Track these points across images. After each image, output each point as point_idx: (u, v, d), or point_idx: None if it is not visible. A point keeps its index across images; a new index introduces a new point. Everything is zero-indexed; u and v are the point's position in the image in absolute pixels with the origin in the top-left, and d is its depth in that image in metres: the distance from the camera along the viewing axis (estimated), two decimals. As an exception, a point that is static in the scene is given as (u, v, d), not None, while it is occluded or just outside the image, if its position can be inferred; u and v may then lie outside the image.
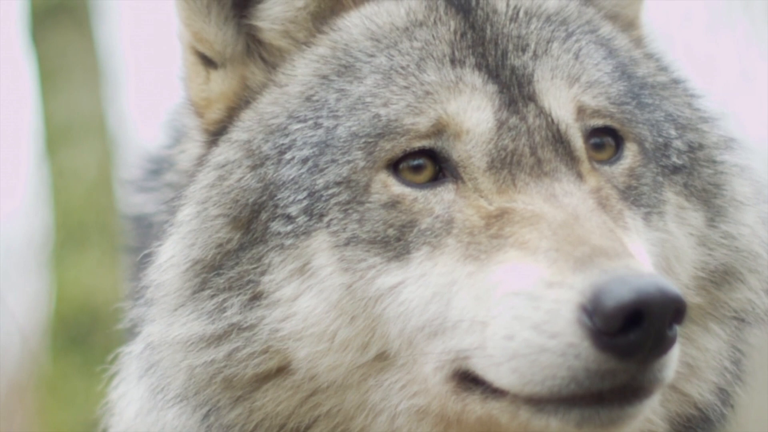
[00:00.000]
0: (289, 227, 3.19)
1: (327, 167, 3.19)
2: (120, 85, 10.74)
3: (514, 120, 3.18)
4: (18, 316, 14.00)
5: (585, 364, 2.89)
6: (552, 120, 3.19)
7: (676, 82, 3.53)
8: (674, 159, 3.35)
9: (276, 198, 3.21)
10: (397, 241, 3.11)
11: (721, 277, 3.36)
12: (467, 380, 3.05)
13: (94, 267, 9.72)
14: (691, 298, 3.30)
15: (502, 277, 2.99)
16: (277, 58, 3.43)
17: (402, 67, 3.24)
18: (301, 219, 3.18)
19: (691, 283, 3.32)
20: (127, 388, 3.59)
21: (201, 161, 3.39)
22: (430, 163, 3.17)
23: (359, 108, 3.21)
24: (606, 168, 3.24)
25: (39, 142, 10.27)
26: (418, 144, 3.17)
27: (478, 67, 3.24)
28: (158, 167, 3.93)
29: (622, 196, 3.22)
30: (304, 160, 3.22)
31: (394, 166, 3.16)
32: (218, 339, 3.20)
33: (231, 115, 3.42)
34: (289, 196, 3.20)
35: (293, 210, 3.19)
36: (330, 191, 3.17)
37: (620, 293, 2.85)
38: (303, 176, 3.21)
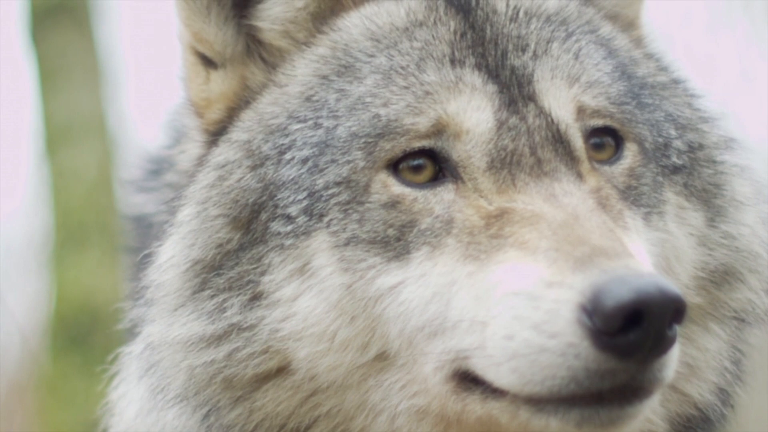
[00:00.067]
0: (289, 227, 3.19)
1: (327, 167, 3.19)
2: (120, 85, 10.75)
3: (513, 120, 3.18)
4: (18, 316, 14.00)
5: (585, 364, 2.89)
6: (552, 120, 3.19)
7: (676, 82, 3.53)
8: (674, 159, 3.35)
9: (276, 198, 3.22)
10: (397, 241, 3.11)
11: (721, 277, 3.36)
12: (467, 380, 3.05)
13: (94, 267, 9.73)
14: (691, 298, 3.30)
15: (501, 277, 2.99)
16: (277, 59, 3.43)
17: (402, 67, 3.24)
18: (301, 219, 3.18)
19: (691, 283, 3.32)
20: (127, 388, 3.59)
21: (201, 161, 3.39)
22: (430, 163, 3.17)
23: (359, 108, 3.21)
24: (606, 168, 3.24)
25: (39, 142, 10.27)
26: (417, 144, 3.17)
27: (478, 67, 3.24)
28: (158, 167, 3.93)
29: (622, 196, 3.22)
30: (304, 161, 3.22)
31: (394, 166, 3.16)
32: (218, 339, 3.20)
33: (231, 115, 3.42)
34: (289, 197, 3.21)
35: (293, 210, 3.19)
36: (330, 191, 3.17)
37: (620, 293, 2.85)
38: (303, 176, 3.21)
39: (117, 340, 3.85)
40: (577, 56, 3.31)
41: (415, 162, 3.17)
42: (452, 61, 3.24)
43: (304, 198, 3.19)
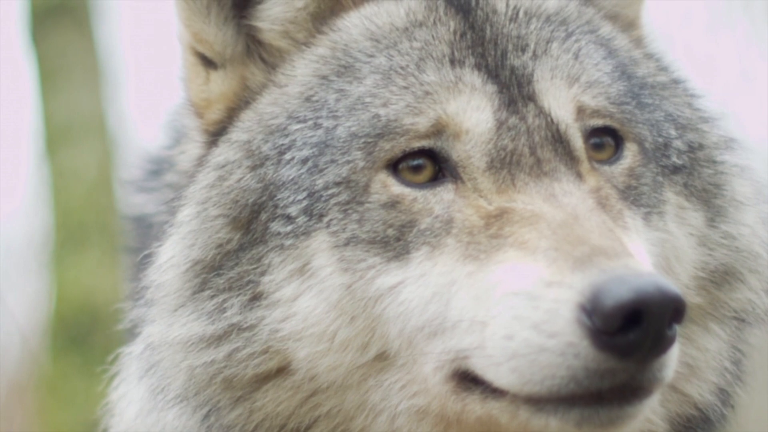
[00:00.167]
0: (289, 227, 3.19)
1: (327, 167, 3.19)
2: (120, 85, 10.75)
3: (513, 120, 3.18)
4: (18, 316, 14.00)
5: (584, 364, 2.89)
6: (551, 120, 3.19)
7: (676, 82, 3.53)
8: (674, 159, 3.35)
9: (276, 198, 3.22)
10: (396, 241, 3.11)
11: (721, 277, 3.36)
12: (467, 380, 3.05)
13: (94, 267, 9.73)
14: (691, 298, 3.30)
15: (501, 276, 2.99)
16: (276, 59, 3.43)
17: (401, 68, 3.24)
18: (301, 219, 3.18)
19: (691, 283, 3.32)
20: (127, 388, 3.59)
21: (201, 162, 3.39)
22: (429, 163, 3.17)
23: (359, 108, 3.21)
24: (606, 168, 3.24)
25: (39, 142, 10.27)
26: (417, 144, 3.17)
27: (478, 67, 3.24)
28: (158, 168, 3.93)
29: (622, 195, 3.22)
30: (304, 161, 3.22)
31: (394, 166, 3.16)
32: (218, 339, 3.20)
33: (231, 115, 3.42)
34: (288, 197, 3.21)
35: (293, 210, 3.19)
36: (330, 191, 3.17)
37: (619, 293, 2.85)
38: (303, 176, 3.21)
39: (117, 341, 3.85)
40: (576, 56, 3.32)
41: (415, 162, 3.17)
42: (452, 61, 3.24)
43: (304, 198, 3.19)
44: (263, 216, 3.22)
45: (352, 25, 3.39)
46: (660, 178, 3.31)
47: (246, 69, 3.45)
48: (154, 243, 3.39)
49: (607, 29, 3.50)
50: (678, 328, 2.94)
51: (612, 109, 3.28)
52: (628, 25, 3.61)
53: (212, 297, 3.22)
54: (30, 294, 12.77)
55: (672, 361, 2.97)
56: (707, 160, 3.42)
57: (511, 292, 2.95)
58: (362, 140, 3.18)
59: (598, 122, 3.27)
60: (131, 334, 3.60)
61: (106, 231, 9.67)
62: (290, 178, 3.22)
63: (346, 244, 3.13)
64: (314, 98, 3.29)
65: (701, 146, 3.42)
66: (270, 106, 3.34)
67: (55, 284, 9.98)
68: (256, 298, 3.19)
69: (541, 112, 3.20)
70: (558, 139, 3.18)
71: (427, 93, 3.19)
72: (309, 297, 3.15)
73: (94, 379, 3.86)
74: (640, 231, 3.20)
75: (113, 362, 3.68)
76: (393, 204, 3.14)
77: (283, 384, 3.21)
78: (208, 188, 3.29)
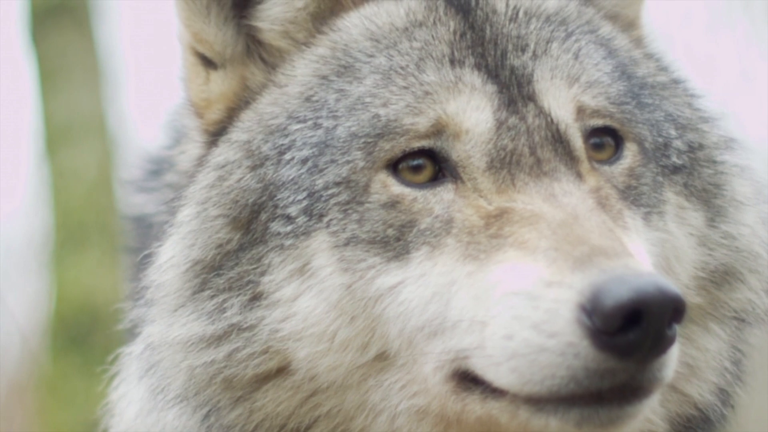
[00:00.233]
0: (289, 227, 3.19)
1: (326, 167, 3.19)
2: (120, 85, 10.75)
3: (513, 120, 3.18)
4: (18, 316, 14.00)
5: (584, 364, 2.89)
6: (551, 120, 3.19)
7: (676, 82, 3.53)
8: (674, 159, 3.35)
9: (276, 198, 3.22)
10: (396, 241, 3.11)
11: (721, 277, 3.36)
12: (467, 380, 3.05)
13: (94, 267, 9.73)
14: (691, 298, 3.30)
15: (501, 276, 2.99)
16: (276, 59, 3.43)
17: (401, 68, 3.24)
18: (301, 219, 3.18)
19: (691, 283, 3.32)
20: (127, 388, 3.59)
21: (201, 162, 3.39)
22: (429, 163, 3.17)
23: (359, 108, 3.21)
24: (606, 168, 3.24)
25: (39, 142, 10.27)
26: (417, 144, 3.17)
27: (478, 67, 3.24)
28: (158, 168, 3.93)
29: (622, 195, 3.22)
30: (304, 161, 3.22)
31: (394, 166, 3.16)
32: (218, 339, 3.20)
33: (231, 115, 3.42)
34: (288, 197, 3.21)
35: (293, 210, 3.19)
36: (329, 191, 3.17)
37: (619, 292, 2.85)
38: (303, 176, 3.21)
39: (117, 341, 3.85)
40: (576, 56, 3.32)
41: (415, 162, 3.17)
42: (452, 61, 3.24)
43: (304, 198, 3.19)
44: (263, 216, 3.22)
45: (352, 25, 3.39)
46: (660, 178, 3.31)
47: (246, 69, 3.45)
48: (154, 243, 3.39)
49: (607, 29, 3.50)
50: (678, 328, 2.94)
51: (612, 109, 3.28)
52: (628, 25, 3.61)
53: (212, 297, 3.22)
54: (30, 294, 12.78)
55: (672, 361, 2.97)
56: (707, 160, 3.42)
57: (510, 292, 2.95)
58: (362, 140, 3.18)
59: (598, 122, 3.27)
60: (131, 334, 3.60)
61: (106, 231, 9.67)
62: (290, 178, 3.22)
63: (346, 244, 3.13)
64: (314, 98, 3.29)
65: (701, 146, 3.42)
66: (270, 106, 3.34)
67: (55, 284, 9.98)
68: (256, 298, 3.19)
69: (541, 112, 3.20)
70: (558, 139, 3.18)
71: (427, 93, 3.20)
72: (309, 297, 3.15)
73: (94, 379, 3.86)
74: (640, 231, 3.20)
75: (113, 362, 3.68)
76: (393, 204, 3.14)
77: (283, 384, 3.21)
78: (208, 188, 3.29)
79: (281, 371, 3.20)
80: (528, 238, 2.99)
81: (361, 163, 3.17)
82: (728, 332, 3.40)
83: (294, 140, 3.25)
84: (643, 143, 3.30)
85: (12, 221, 15.16)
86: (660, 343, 2.89)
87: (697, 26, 14.93)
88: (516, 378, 2.93)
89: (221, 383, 3.22)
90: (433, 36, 3.29)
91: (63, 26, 10.07)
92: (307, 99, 3.29)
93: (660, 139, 3.34)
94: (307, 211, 3.18)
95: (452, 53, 3.26)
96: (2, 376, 14.13)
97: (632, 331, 2.86)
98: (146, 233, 3.80)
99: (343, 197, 3.16)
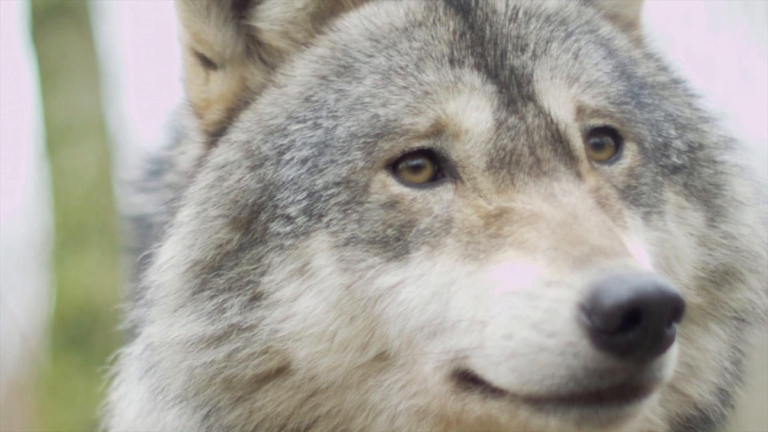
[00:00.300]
0: (289, 228, 3.19)
1: (326, 167, 3.19)
2: (120, 85, 10.75)
3: (513, 120, 3.18)
4: (18, 316, 14.00)
5: (584, 363, 2.89)
6: (551, 120, 3.19)
7: (675, 82, 3.53)
8: (674, 159, 3.35)
9: (275, 198, 3.22)
10: (396, 241, 3.11)
11: (721, 277, 3.36)
12: (466, 380, 3.05)
13: (94, 267, 9.73)
14: (691, 298, 3.30)
15: (500, 276, 2.99)
16: (276, 59, 3.43)
17: (401, 68, 3.24)
18: (301, 219, 3.18)
19: (691, 283, 3.32)
20: (127, 388, 3.58)
21: (200, 162, 3.39)
22: (429, 163, 3.17)
23: (358, 108, 3.21)
24: (605, 168, 3.24)
25: (39, 142, 10.27)
26: (417, 144, 3.17)
27: (477, 67, 3.24)
28: (158, 168, 3.93)
29: (622, 195, 3.22)
30: (304, 161, 3.22)
31: (393, 166, 3.16)
32: (218, 340, 3.20)
33: (230, 116, 3.42)
34: (288, 197, 3.21)
35: (293, 210, 3.19)
36: (329, 191, 3.17)
37: (618, 292, 2.85)
38: (302, 177, 3.21)
39: (117, 341, 3.85)
40: (576, 56, 3.31)
41: (414, 162, 3.17)
42: (451, 61, 3.24)
43: (304, 198, 3.19)
44: (263, 216, 3.22)
45: (351, 25, 3.39)
46: (660, 178, 3.31)
47: (245, 69, 3.45)
48: (154, 243, 3.39)
49: (606, 29, 3.50)
50: (678, 328, 2.94)
51: (612, 109, 3.28)
52: (628, 25, 3.61)
53: (212, 297, 3.22)
54: (30, 294, 12.78)
55: (671, 360, 2.97)
56: (707, 160, 3.42)
57: (510, 292, 2.95)
58: (362, 140, 3.18)
59: (598, 122, 3.27)
60: (131, 334, 3.60)
61: (106, 231, 9.67)
62: (290, 178, 3.22)
63: (346, 244, 3.13)
64: (314, 98, 3.29)
65: (701, 146, 3.42)
66: (269, 106, 3.34)
67: (55, 284, 9.98)
68: (256, 298, 3.19)
69: (541, 111, 3.20)
70: (557, 139, 3.18)
71: (426, 93, 3.20)
72: (309, 297, 3.15)
73: (94, 379, 3.86)
74: (640, 231, 3.20)
75: (113, 362, 3.68)
76: (392, 204, 3.14)
77: (283, 384, 3.21)
78: (207, 189, 3.29)
79: (281, 371, 3.20)
80: (527, 237, 2.99)
81: (361, 163, 3.17)
82: (728, 332, 3.40)
83: (294, 140, 3.25)
84: (642, 143, 3.30)
85: (12, 221, 15.17)
86: (659, 343, 2.89)
87: (697, 26, 14.94)
88: (515, 377, 2.93)
89: (221, 383, 3.22)
90: (432, 36, 3.29)
91: (63, 26, 10.07)
92: (307, 99, 3.29)
93: (660, 139, 3.34)
94: (307, 211, 3.18)
95: (452, 53, 3.26)
96: (2, 376, 14.14)
97: (631, 330, 2.86)
98: (146, 233, 3.80)
99: (343, 197, 3.16)
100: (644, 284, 2.85)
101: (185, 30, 3.46)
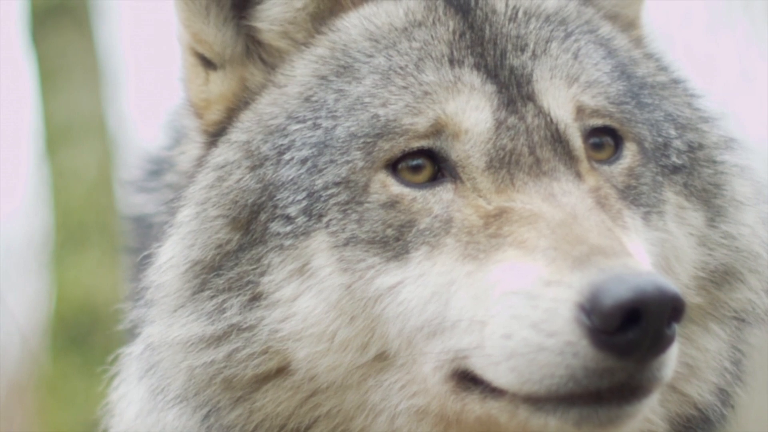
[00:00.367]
0: (289, 228, 3.19)
1: (326, 168, 3.19)
2: (120, 85, 10.75)
3: (512, 120, 3.18)
4: (18, 316, 14.00)
5: (583, 363, 2.89)
6: (551, 120, 3.19)
7: (675, 81, 3.53)
8: (674, 159, 3.35)
9: (275, 199, 3.22)
10: (396, 241, 3.11)
11: (721, 277, 3.36)
12: (466, 380, 3.05)
13: (94, 267, 9.73)
14: (691, 298, 3.30)
15: (500, 276, 2.99)
16: (276, 59, 3.43)
17: (401, 68, 3.24)
18: (301, 219, 3.18)
19: (691, 283, 3.32)
20: (127, 389, 3.59)
21: (200, 162, 3.39)
22: (428, 163, 3.17)
23: (358, 108, 3.21)
24: (605, 167, 3.24)
25: (39, 142, 10.27)
26: (416, 144, 3.17)
27: (477, 67, 3.24)
28: (158, 168, 3.93)
29: (621, 195, 3.22)
30: (303, 161, 3.22)
31: (393, 166, 3.16)
32: (218, 340, 3.20)
33: (230, 116, 3.42)
34: (288, 197, 3.21)
35: (292, 210, 3.19)
36: (329, 192, 3.17)
37: (618, 292, 2.85)
38: (302, 177, 3.21)
39: (117, 341, 3.85)
40: (576, 56, 3.32)
41: (414, 162, 3.17)
42: (451, 61, 3.24)
43: (304, 198, 3.19)
44: (263, 216, 3.22)
45: (351, 25, 3.39)
46: (660, 178, 3.31)
47: (245, 69, 3.45)
48: (154, 243, 3.39)
49: (606, 29, 3.50)
50: (677, 328, 2.94)
51: (611, 109, 3.28)
52: (628, 24, 3.61)
53: (212, 297, 3.22)
54: (30, 294, 12.78)
55: (671, 360, 2.97)
56: (707, 160, 3.42)
57: (510, 292, 2.95)
58: (361, 140, 3.18)
59: (598, 122, 3.27)
60: (131, 334, 3.60)
61: (106, 231, 9.68)
62: (289, 178, 3.22)
63: (346, 244, 3.13)
64: (313, 98, 3.29)
65: (701, 146, 3.42)
66: (269, 106, 3.34)
67: (55, 284, 9.98)
68: (256, 298, 3.19)
69: (541, 111, 3.20)
70: (557, 139, 3.18)
71: (426, 93, 3.20)
72: (308, 297, 3.15)
73: (94, 379, 3.87)
74: (640, 230, 3.20)
75: (113, 362, 3.68)
76: (392, 204, 3.14)
77: (283, 384, 3.21)
78: (207, 189, 3.29)
79: (281, 371, 3.20)
80: (527, 237, 2.99)
81: (361, 163, 3.17)
82: (728, 332, 3.40)
83: (293, 140, 3.25)
84: (642, 143, 3.30)
85: (12, 221, 15.17)
86: (659, 343, 2.89)
87: (697, 26, 14.94)
88: (515, 377, 2.93)
89: (221, 383, 3.22)
90: (432, 36, 3.29)
91: (63, 26, 10.07)
92: (307, 99, 3.29)
93: (660, 139, 3.34)
94: (307, 212, 3.18)
95: (451, 53, 3.26)
96: (2, 376, 14.14)
97: (631, 330, 2.86)
98: (146, 233, 3.80)
99: (343, 197, 3.16)
100: (644, 284, 2.85)
101: (185, 30, 3.46)
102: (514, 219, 3.04)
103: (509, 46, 3.28)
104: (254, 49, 3.45)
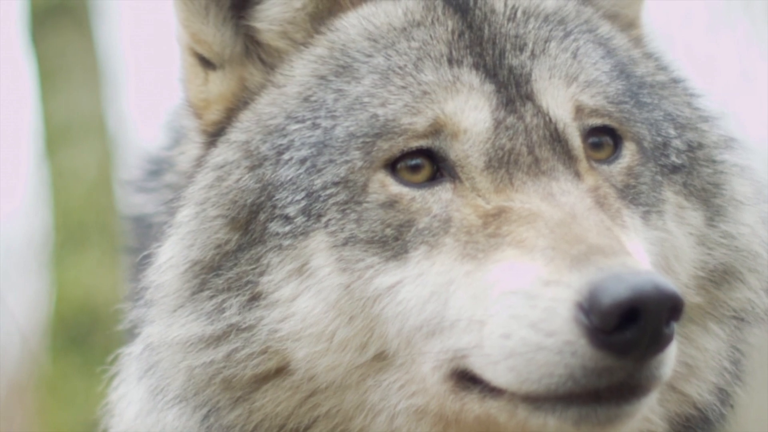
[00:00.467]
0: (288, 228, 3.19)
1: (325, 167, 3.19)
2: (120, 85, 10.76)
3: (511, 119, 3.18)
4: (18, 316, 14.00)
5: (582, 362, 2.89)
6: (550, 119, 3.19)
7: (675, 81, 3.53)
8: (673, 158, 3.35)
9: (274, 198, 3.22)
10: (395, 240, 3.12)
11: (720, 277, 3.36)
12: (465, 379, 3.05)
13: (94, 267, 9.73)
14: (691, 297, 3.30)
15: (499, 275, 2.99)
16: (275, 59, 3.43)
17: (399, 67, 3.24)
18: (300, 219, 3.18)
19: (690, 282, 3.32)
20: (127, 389, 3.59)
21: (200, 162, 3.39)
22: (427, 162, 3.17)
23: (357, 108, 3.21)
24: (604, 167, 3.24)
25: (39, 142, 10.28)
26: (415, 144, 3.17)
27: (476, 66, 3.25)
28: (158, 168, 3.93)
29: (621, 195, 3.22)
30: (302, 161, 3.22)
31: (392, 165, 3.16)
32: (217, 340, 3.21)
33: (229, 116, 3.42)
34: (287, 197, 3.21)
35: (291, 210, 3.19)
36: (328, 191, 3.17)
37: (616, 291, 2.85)
38: (301, 177, 3.21)
39: (117, 341, 3.85)
40: (575, 55, 3.32)
41: (413, 162, 3.17)
42: (450, 61, 3.24)
43: (303, 198, 3.19)
44: (262, 216, 3.22)
45: (350, 25, 3.39)
46: (659, 177, 3.31)
47: (244, 69, 3.45)
48: (154, 243, 3.39)
49: (605, 28, 3.50)
50: (677, 328, 2.94)
51: (610, 108, 3.28)
52: (628, 24, 3.61)
53: (211, 297, 3.22)
54: (30, 294, 12.79)
55: (670, 359, 2.97)
56: (706, 160, 3.42)
57: (508, 291, 2.95)
58: (360, 140, 3.18)
59: (597, 121, 3.27)
60: (131, 334, 3.60)
61: (106, 231, 9.68)
62: (288, 178, 3.22)
63: (345, 244, 3.13)
64: (312, 98, 3.29)
65: (700, 145, 3.42)
66: (268, 106, 3.34)
67: (55, 284, 9.99)
68: (255, 298, 3.19)
69: (539, 111, 3.20)
70: (556, 139, 3.18)
71: (425, 93, 3.20)
72: (307, 297, 3.15)
73: (94, 379, 3.87)
74: (639, 230, 3.20)
75: (113, 362, 3.68)
76: (391, 203, 3.14)
77: (282, 384, 3.21)
78: (206, 189, 3.29)
79: (280, 371, 3.20)
80: (526, 237, 2.99)
81: (360, 163, 3.17)
82: (727, 332, 3.40)
83: (292, 140, 3.25)
84: (641, 142, 3.30)
85: (12, 221, 15.17)
86: (657, 342, 2.89)
87: (697, 26, 14.94)
88: (514, 377, 2.93)
89: (220, 383, 3.22)
90: (431, 36, 3.29)
91: (63, 26, 10.07)
92: (306, 99, 3.29)
93: (659, 139, 3.34)
94: (306, 211, 3.18)
95: (450, 53, 3.26)
96: (2, 376, 14.14)
97: (629, 329, 2.86)
98: (146, 233, 3.80)
99: (342, 197, 3.16)
100: (642, 283, 2.85)
101: (184, 30, 3.46)
102: (513, 218, 3.04)
103: (508, 46, 3.28)
104: (253, 49, 3.45)
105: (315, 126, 3.24)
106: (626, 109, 3.31)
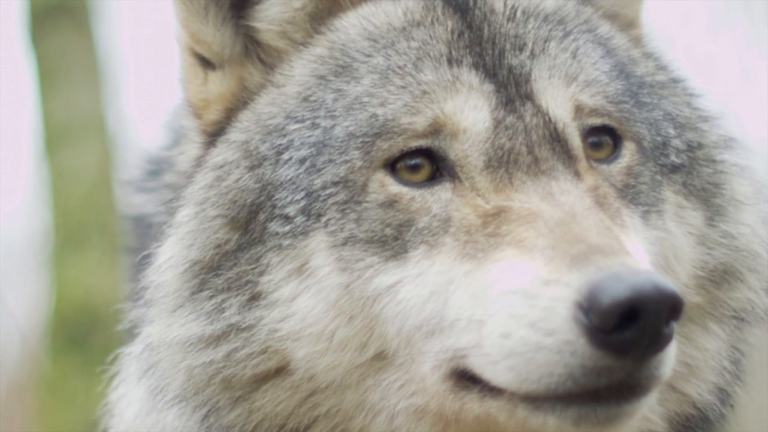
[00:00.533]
0: (287, 227, 3.19)
1: (324, 167, 3.19)
2: (120, 85, 10.76)
3: (511, 119, 3.18)
4: (18, 316, 14.00)
5: (581, 362, 2.89)
6: (549, 119, 3.19)
7: (675, 81, 3.53)
8: (673, 158, 3.35)
9: (274, 198, 3.22)
10: (394, 240, 3.12)
11: (720, 277, 3.36)
12: (465, 379, 3.05)
13: (94, 267, 9.73)
14: (691, 297, 3.30)
15: (498, 275, 2.99)
16: (274, 59, 3.43)
17: (399, 67, 3.24)
18: (299, 219, 3.18)
19: (690, 282, 3.32)
20: (126, 389, 3.59)
21: (199, 162, 3.39)
22: (427, 162, 3.17)
23: (356, 108, 3.21)
24: (604, 167, 3.25)
25: (39, 142, 10.27)
26: (415, 143, 3.17)
27: (475, 66, 3.25)
28: (158, 168, 3.93)
29: (620, 194, 3.22)
30: (302, 161, 3.22)
31: (392, 165, 3.17)
32: (217, 339, 3.21)
33: (229, 116, 3.42)
34: (286, 197, 3.21)
35: (291, 210, 3.19)
36: (327, 191, 3.18)
37: (616, 290, 2.85)
38: (301, 176, 3.21)
39: (117, 341, 3.85)
40: (574, 55, 3.32)
41: (413, 161, 3.17)
42: (449, 61, 3.24)
43: (302, 198, 3.19)
44: (261, 216, 3.22)
45: (349, 25, 3.39)
46: (659, 177, 3.31)
47: (244, 69, 3.45)
48: (153, 243, 3.39)
49: (605, 28, 3.50)
50: (676, 327, 2.94)
51: (610, 108, 3.28)
52: (628, 24, 3.61)
53: (211, 297, 3.22)
54: (30, 294, 12.79)
55: (670, 358, 2.97)
56: (706, 159, 3.42)
57: (508, 291, 2.95)
58: (360, 140, 3.18)
59: (596, 121, 3.27)
60: (131, 334, 3.60)
61: (106, 231, 9.68)
62: (288, 178, 3.22)
63: (344, 244, 3.13)
64: (312, 98, 3.29)
65: (700, 145, 3.42)
66: (268, 106, 3.34)
67: (55, 284, 9.99)
68: (255, 298, 3.20)
69: (539, 111, 3.20)
70: (556, 138, 3.18)
71: (424, 92, 3.20)
72: (307, 297, 3.16)
73: (94, 379, 3.87)
74: (639, 229, 3.20)
75: (113, 362, 3.68)
76: (391, 203, 3.14)
77: (282, 384, 3.21)
78: (206, 189, 3.29)
79: (280, 371, 3.20)
80: (525, 236, 2.99)
81: (359, 163, 3.17)
82: (727, 331, 3.40)
83: (292, 140, 3.25)
84: (641, 142, 3.30)
85: (12, 221, 15.17)
86: (657, 341, 2.89)
87: (697, 26, 14.94)
88: (513, 376, 2.93)
89: (220, 383, 3.22)
90: (430, 35, 3.29)
91: (62, 26, 10.07)
92: (305, 99, 3.29)
93: (659, 138, 3.34)
94: (305, 211, 3.18)
95: (450, 53, 3.26)
96: (2, 376, 14.14)
97: (629, 328, 2.86)
98: (146, 233, 3.80)
99: (341, 197, 3.16)
100: (642, 282, 2.85)
101: (184, 30, 3.46)
102: (513, 218, 3.04)
103: (508, 46, 3.29)
104: (253, 49, 3.45)
105: (314, 126, 3.24)
106: (626, 108, 3.31)
